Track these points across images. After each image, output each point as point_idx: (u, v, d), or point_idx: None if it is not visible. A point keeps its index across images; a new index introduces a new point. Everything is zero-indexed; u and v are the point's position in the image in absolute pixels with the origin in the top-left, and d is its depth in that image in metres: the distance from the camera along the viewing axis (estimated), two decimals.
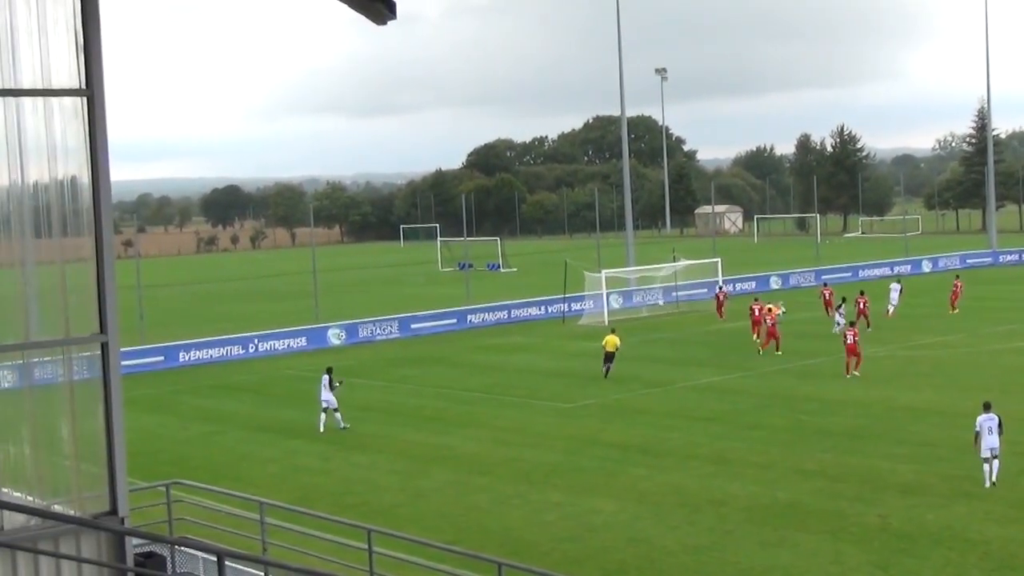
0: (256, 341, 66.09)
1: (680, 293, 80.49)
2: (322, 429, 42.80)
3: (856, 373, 48.54)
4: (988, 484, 30.68)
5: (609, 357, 51.70)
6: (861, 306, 61.36)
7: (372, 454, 39.49)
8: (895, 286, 68.75)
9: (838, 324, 57.67)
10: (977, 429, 30.95)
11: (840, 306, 60.46)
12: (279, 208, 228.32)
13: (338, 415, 43.29)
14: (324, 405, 43.32)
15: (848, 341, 49.07)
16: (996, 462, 30.78)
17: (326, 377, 43.60)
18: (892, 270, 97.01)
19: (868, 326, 59.04)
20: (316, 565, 22.69)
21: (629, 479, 34.10)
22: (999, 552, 26.11)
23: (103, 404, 13.24)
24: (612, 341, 51.95)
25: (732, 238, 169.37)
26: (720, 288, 75.26)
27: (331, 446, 40.91)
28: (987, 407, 31.27)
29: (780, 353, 55.27)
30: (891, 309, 67.25)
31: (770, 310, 57.61)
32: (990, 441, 30.60)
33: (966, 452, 34.41)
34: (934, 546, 26.68)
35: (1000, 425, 30.88)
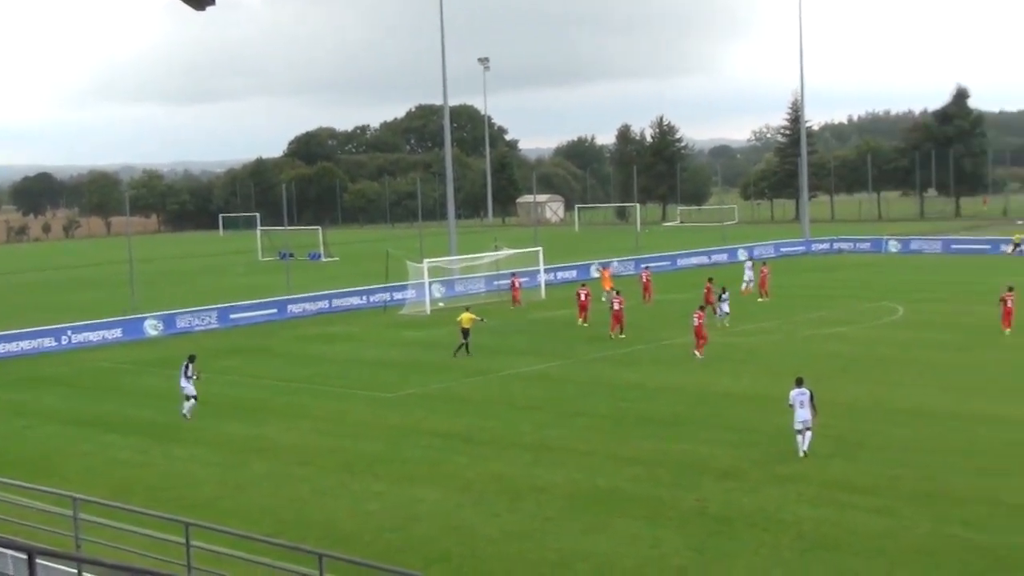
0: (69, 333, 64.33)
1: (502, 282, 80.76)
2: (187, 415, 42.49)
3: (699, 354, 49.96)
4: (801, 454, 32.63)
5: (465, 333, 53.57)
6: (706, 292, 62.82)
7: (190, 446, 38.76)
8: (749, 264, 75.35)
9: (725, 313, 60.11)
10: (790, 403, 32.89)
11: (721, 295, 60.96)
12: (93, 196, 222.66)
13: (188, 404, 42.78)
14: (184, 392, 42.90)
15: (695, 323, 50.69)
16: (809, 434, 32.69)
17: (187, 365, 43.19)
18: (709, 259, 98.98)
19: (715, 312, 59.84)
20: (133, 561, 22.21)
21: (452, 468, 34.10)
22: (811, 533, 26.79)
23: None
24: (467, 317, 54.07)
25: (554, 227, 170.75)
26: (514, 274, 75.97)
27: (148, 439, 40.08)
28: (799, 382, 33.23)
29: (624, 336, 56.79)
30: (746, 286, 72.33)
31: (617, 293, 59.62)
32: (802, 414, 32.35)
33: (781, 437, 35.31)
34: (749, 528, 27.25)
35: (812, 399, 32.63)
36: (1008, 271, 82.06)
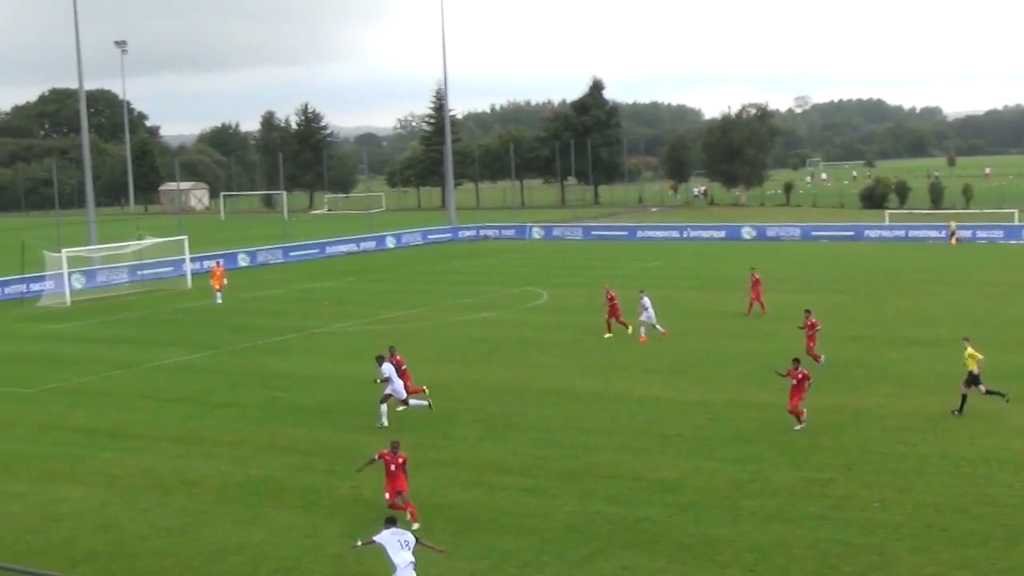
0: None
1: (146, 272, 78.74)
2: None
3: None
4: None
5: None
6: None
7: None
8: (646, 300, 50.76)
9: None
10: (382, 544, 21.97)
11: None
12: None
13: None
14: None
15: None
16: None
17: None
18: (359, 246, 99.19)
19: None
20: None
21: (97, 464, 32.95)
22: (463, 515, 27.21)
23: None
24: None
25: (199, 215, 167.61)
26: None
27: None
28: (391, 521, 22.59)
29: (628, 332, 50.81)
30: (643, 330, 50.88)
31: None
32: (404, 559, 21.71)
33: (431, 421, 35.81)
34: (403, 513, 27.42)
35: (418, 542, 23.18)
36: (646, 255, 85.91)
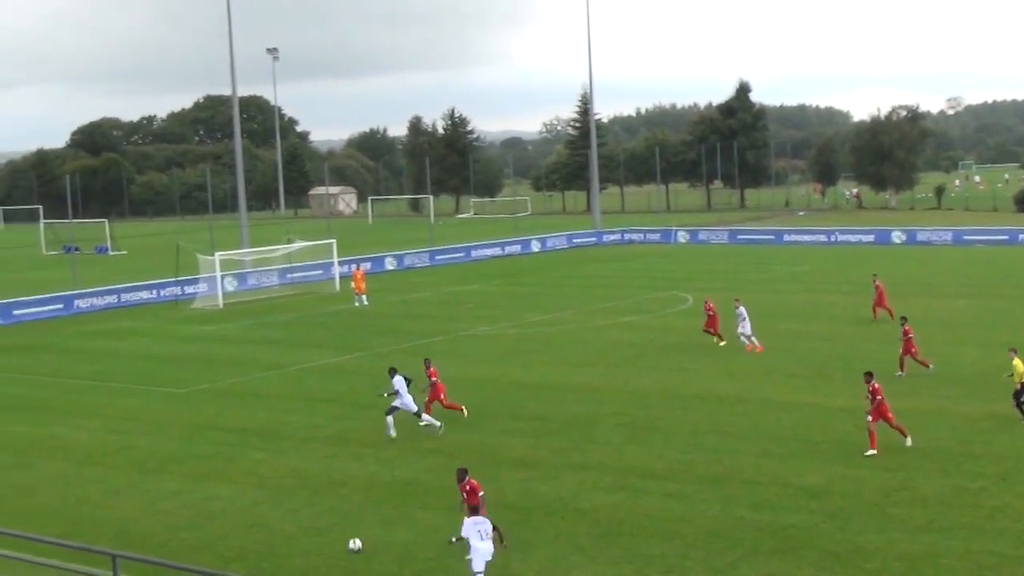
0: None
1: (296, 275, 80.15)
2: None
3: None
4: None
5: None
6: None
7: None
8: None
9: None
10: (464, 535, 23.42)
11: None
12: None
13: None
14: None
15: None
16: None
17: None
18: (504, 250, 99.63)
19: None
20: None
21: (248, 464, 33.64)
22: (607, 519, 27.21)
23: None
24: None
25: (347, 219, 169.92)
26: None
27: None
28: (475, 510, 24.09)
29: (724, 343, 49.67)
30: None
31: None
32: (485, 548, 23.16)
33: (576, 426, 35.91)
34: (547, 516, 27.56)
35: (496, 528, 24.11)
36: (792, 259, 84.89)
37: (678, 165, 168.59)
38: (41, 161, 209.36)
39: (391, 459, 33.23)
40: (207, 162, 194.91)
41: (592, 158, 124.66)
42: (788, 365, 44.58)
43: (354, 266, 75.61)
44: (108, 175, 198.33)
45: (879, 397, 32.23)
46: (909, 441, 32.22)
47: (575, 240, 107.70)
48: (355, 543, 25.86)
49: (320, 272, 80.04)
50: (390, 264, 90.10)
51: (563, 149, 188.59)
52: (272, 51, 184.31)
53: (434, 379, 37.34)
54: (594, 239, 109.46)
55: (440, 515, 27.91)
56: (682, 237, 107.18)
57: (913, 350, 41.87)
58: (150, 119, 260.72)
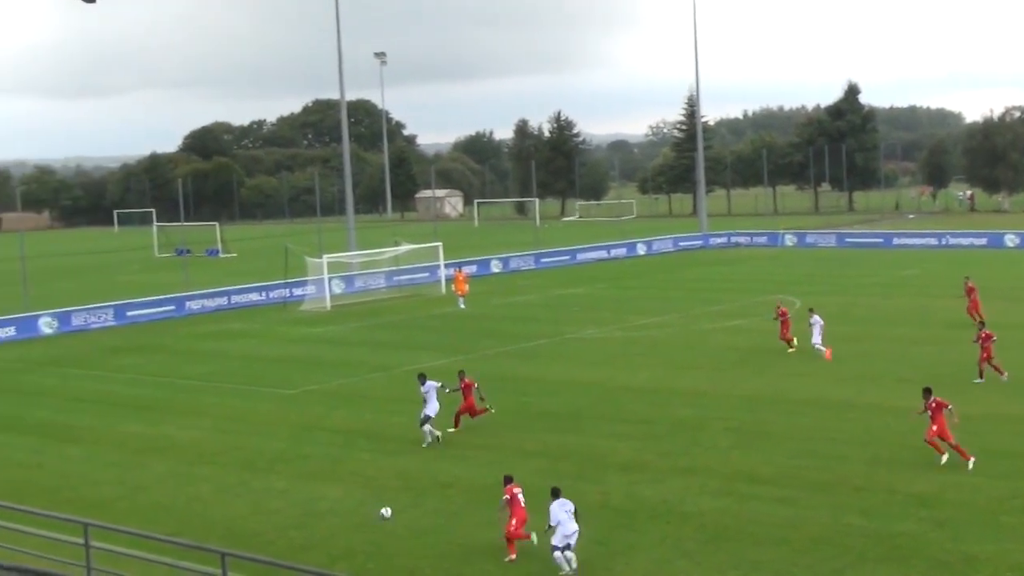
0: None
1: (402, 277, 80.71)
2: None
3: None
4: (570, 571, 24.61)
5: None
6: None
7: (88, 446, 38.19)
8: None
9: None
10: (552, 522, 24.97)
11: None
12: None
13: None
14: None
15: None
16: (571, 553, 24.74)
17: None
18: (609, 253, 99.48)
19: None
20: (30, 563, 21.86)
21: (354, 464, 33.94)
22: (714, 524, 27.05)
23: None
24: None
25: (453, 222, 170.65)
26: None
27: (44, 439, 39.41)
28: (556, 493, 25.54)
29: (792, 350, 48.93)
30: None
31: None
32: (568, 528, 24.73)
33: (682, 429, 35.76)
34: (652, 520, 27.46)
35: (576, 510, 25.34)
36: (901, 263, 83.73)
37: (785, 168, 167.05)
38: (154, 165, 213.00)
39: (496, 461, 33.29)
40: (315, 166, 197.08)
41: (699, 160, 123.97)
42: (898, 370, 43.95)
43: (455, 268, 75.87)
44: (219, 179, 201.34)
45: (931, 411, 31.42)
46: (971, 464, 30.62)
47: (681, 243, 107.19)
48: (386, 511, 27.77)
49: (426, 275, 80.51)
50: (496, 267, 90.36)
51: (669, 152, 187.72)
52: (380, 55, 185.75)
53: (464, 388, 37.22)
54: (700, 242, 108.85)
55: (544, 518, 27.87)
56: (789, 240, 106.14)
57: (988, 356, 41.08)
58: (260, 123, 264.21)
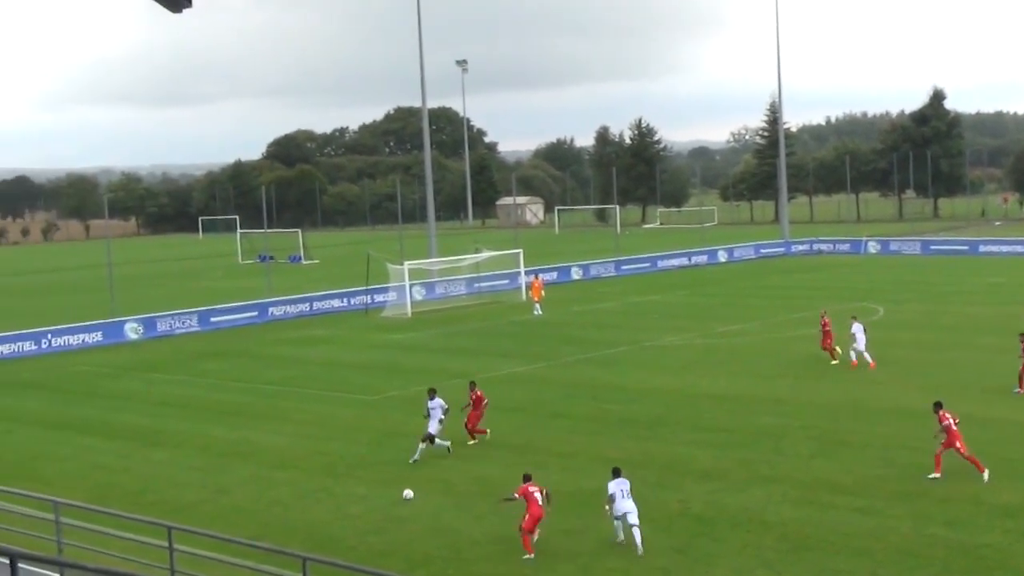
0: (49, 336, 64.13)
1: (483, 284, 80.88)
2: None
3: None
4: (640, 552, 26.03)
5: None
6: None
7: (172, 450, 38.68)
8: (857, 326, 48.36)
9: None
10: (610, 494, 27.02)
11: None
12: (71, 199, 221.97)
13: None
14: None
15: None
16: (636, 530, 26.41)
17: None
18: (690, 260, 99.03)
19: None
20: (115, 565, 22.15)
21: (434, 470, 34.05)
22: (795, 533, 26.83)
23: None
24: None
25: (534, 229, 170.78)
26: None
27: (129, 443, 39.97)
28: (616, 472, 27.51)
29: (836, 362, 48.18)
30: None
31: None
32: (625, 505, 26.69)
33: (763, 437, 35.48)
34: (733, 529, 27.30)
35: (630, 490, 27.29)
36: (987, 271, 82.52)
37: (869, 174, 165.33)
38: (238, 173, 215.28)
39: (575, 468, 33.29)
40: (397, 173, 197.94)
41: (780, 167, 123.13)
42: (983, 380, 43.31)
43: (531, 276, 75.80)
44: (302, 186, 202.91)
45: (944, 423, 31.12)
46: (986, 476, 30.30)
47: (762, 250, 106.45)
48: (407, 493, 30.40)
49: (507, 282, 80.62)
50: (576, 274, 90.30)
51: (751, 158, 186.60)
52: (462, 63, 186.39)
53: (475, 400, 37.17)
54: (782, 249, 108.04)
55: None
56: (872, 247, 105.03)
57: None
58: (342, 131, 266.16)
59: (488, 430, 37.66)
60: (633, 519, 26.43)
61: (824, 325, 49.26)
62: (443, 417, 35.71)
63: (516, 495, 27.08)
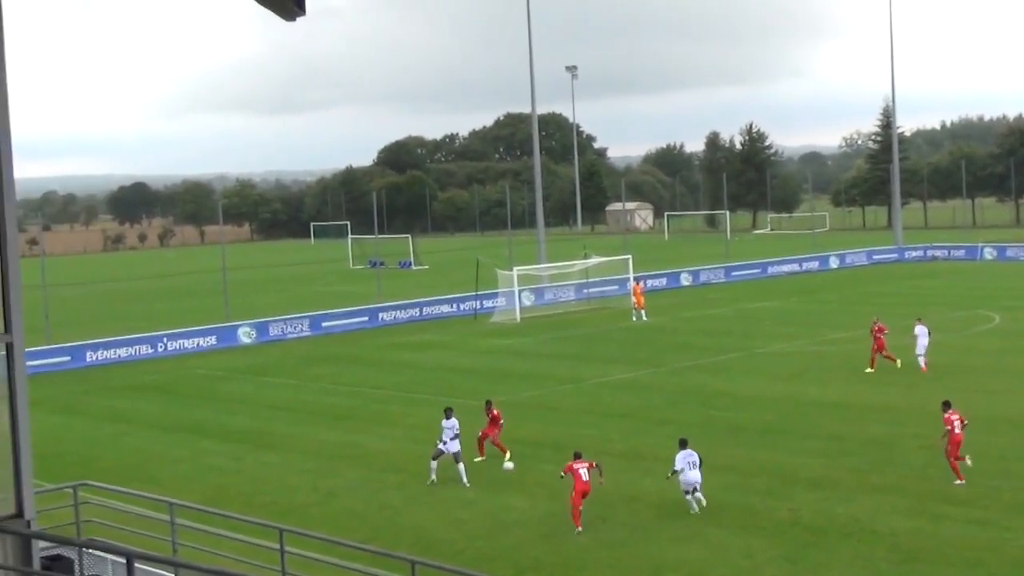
0: (165, 340, 65.32)
1: (592, 290, 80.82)
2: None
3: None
4: (696, 510, 29.21)
5: None
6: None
7: (283, 453, 39.19)
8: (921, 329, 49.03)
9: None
10: (677, 467, 29.48)
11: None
12: (187, 206, 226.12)
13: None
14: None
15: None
16: (699, 495, 29.32)
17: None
18: (801, 266, 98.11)
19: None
20: (227, 566, 22.46)
21: (542, 476, 34.07)
22: (907, 544, 26.46)
23: (8, 405, 12.96)
24: None
25: (643, 235, 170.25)
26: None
27: (242, 446, 40.57)
28: (683, 444, 29.86)
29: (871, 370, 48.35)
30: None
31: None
32: (692, 476, 29.31)
33: (873, 446, 35.05)
34: (843, 539, 27.00)
35: (701, 462, 29.70)
36: None
37: (985, 179, 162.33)
38: (349, 179, 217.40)
39: None
40: (507, 179, 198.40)
41: (894, 172, 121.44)
42: None
43: (633, 281, 75.53)
44: (412, 192, 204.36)
45: (947, 428, 31.05)
46: (957, 483, 30.56)
47: (875, 256, 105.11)
48: (508, 465, 32.85)
49: (616, 287, 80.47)
50: (685, 280, 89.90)
51: (863, 164, 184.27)
52: (571, 69, 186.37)
53: (492, 418, 36.84)
54: (895, 255, 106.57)
55: (734, 533, 27.70)
56: (988, 254, 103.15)
57: None
58: (452, 137, 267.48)
59: (508, 450, 36.12)
60: (698, 489, 28.94)
61: (877, 332, 48.49)
62: (457, 434, 34.56)
63: (563, 473, 29.13)
